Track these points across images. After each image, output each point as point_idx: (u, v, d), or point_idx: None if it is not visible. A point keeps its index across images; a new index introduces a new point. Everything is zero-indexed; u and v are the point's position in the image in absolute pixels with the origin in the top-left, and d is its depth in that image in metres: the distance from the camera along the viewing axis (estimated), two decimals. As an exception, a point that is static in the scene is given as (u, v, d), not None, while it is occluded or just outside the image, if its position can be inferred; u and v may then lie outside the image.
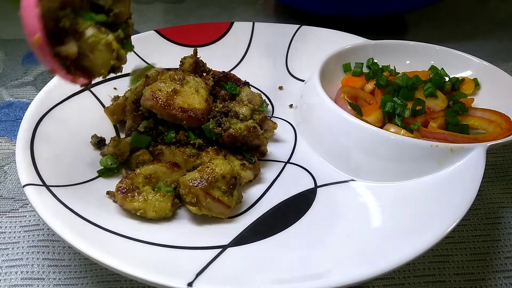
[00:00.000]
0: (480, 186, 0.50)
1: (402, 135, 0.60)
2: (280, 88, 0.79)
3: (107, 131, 0.66)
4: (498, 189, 0.64)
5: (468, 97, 0.68)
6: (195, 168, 0.55)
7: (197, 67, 0.72)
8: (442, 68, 0.73)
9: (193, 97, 0.61)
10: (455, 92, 0.70)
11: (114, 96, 0.70)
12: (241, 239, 0.51)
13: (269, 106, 0.75)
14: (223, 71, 0.71)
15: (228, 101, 0.66)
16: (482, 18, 1.14)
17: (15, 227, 0.58)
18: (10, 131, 0.74)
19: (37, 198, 0.49)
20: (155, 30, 0.83)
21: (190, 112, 0.59)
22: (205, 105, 0.61)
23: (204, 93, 0.62)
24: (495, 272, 0.53)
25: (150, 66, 0.69)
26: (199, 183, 0.51)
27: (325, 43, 0.81)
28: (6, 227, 0.58)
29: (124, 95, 0.67)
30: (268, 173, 0.62)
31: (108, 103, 0.69)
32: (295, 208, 0.56)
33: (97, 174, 0.58)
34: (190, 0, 1.22)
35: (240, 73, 0.74)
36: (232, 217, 0.54)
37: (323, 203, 0.56)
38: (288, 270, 0.46)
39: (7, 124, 0.76)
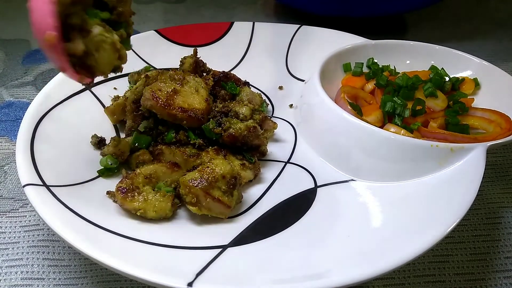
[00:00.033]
0: (480, 186, 0.50)
1: (402, 135, 0.60)
2: (280, 88, 0.79)
3: (107, 131, 0.66)
4: (498, 189, 0.64)
5: (468, 97, 0.68)
6: (195, 168, 0.55)
7: (197, 67, 0.72)
8: (442, 68, 0.73)
9: (193, 97, 0.61)
10: (455, 92, 0.70)
11: (114, 96, 0.70)
12: (241, 239, 0.51)
13: (269, 106, 0.75)
14: (223, 71, 0.71)
15: (228, 101, 0.66)
16: (482, 18, 1.14)
17: (15, 227, 0.58)
18: (10, 131, 0.74)
19: (37, 198, 0.49)
20: (155, 30, 0.83)
21: (190, 112, 0.59)
22: (205, 105, 0.61)
23: (204, 93, 0.62)
24: (495, 272, 0.53)
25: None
26: (199, 183, 0.51)
27: (325, 43, 0.81)
28: (6, 227, 0.58)
29: (124, 95, 0.67)
30: (268, 173, 0.62)
31: (108, 103, 0.68)
32: (295, 208, 0.56)
33: (97, 174, 0.58)
34: (190, 0, 1.22)
35: (240, 73, 0.74)
36: (232, 217, 0.54)
37: (323, 203, 0.56)
38: (288, 270, 0.46)
39: (7, 124, 0.76)
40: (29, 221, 0.59)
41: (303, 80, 0.79)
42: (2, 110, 0.79)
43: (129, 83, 0.73)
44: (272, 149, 0.66)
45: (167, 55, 0.79)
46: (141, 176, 0.55)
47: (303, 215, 0.54)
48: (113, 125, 0.67)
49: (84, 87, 0.68)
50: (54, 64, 0.44)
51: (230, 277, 0.45)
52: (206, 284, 0.42)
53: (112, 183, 0.55)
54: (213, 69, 0.75)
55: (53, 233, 0.56)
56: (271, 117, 0.70)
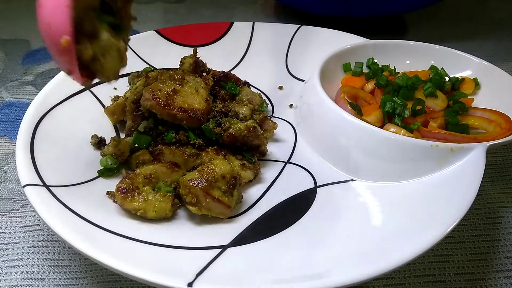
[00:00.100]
0: (480, 186, 0.50)
1: (402, 135, 0.60)
2: (280, 88, 0.79)
3: (107, 131, 0.66)
4: (498, 189, 0.64)
5: (468, 97, 0.68)
6: (195, 168, 0.55)
7: (197, 67, 0.72)
8: (442, 68, 0.73)
9: (193, 97, 0.61)
10: (455, 92, 0.70)
11: (114, 96, 0.70)
12: (241, 239, 0.51)
13: (269, 106, 0.75)
14: (223, 71, 0.71)
15: (228, 101, 0.66)
16: (482, 18, 1.14)
17: (15, 227, 0.58)
18: (10, 131, 0.74)
19: (37, 198, 0.49)
20: (155, 30, 0.83)
21: (190, 112, 0.59)
22: (205, 105, 0.61)
23: (204, 93, 0.62)
24: (495, 272, 0.53)
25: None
26: (199, 183, 0.51)
27: (325, 43, 0.81)
28: (6, 227, 0.58)
29: (124, 95, 0.67)
30: (268, 173, 0.62)
31: (108, 103, 0.68)
32: (295, 208, 0.56)
33: (97, 174, 0.58)
34: (190, 0, 1.22)
35: (240, 73, 0.74)
36: (232, 217, 0.54)
37: (323, 203, 0.56)
38: (288, 270, 0.46)
39: (7, 124, 0.76)
40: (29, 221, 0.59)
41: (303, 80, 0.79)
42: (2, 110, 0.79)
43: (129, 84, 0.73)
44: (272, 149, 0.66)
45: (167, 55, 0.79)
46: (141, 176, 0.55)
47: (303, 215, 0.54)
48: (113, 125, 0.67)
49: (84, 87, 0.68)
50: (61, 66, 0.43)
51: (230, 277, 0.45)
52: (206, 284, 0.42)
53: (112, 183, 0.55)
54: (213, 69, 0.75)
55: (53, 233, 0.56)
56: (271, 117, 0.70)
